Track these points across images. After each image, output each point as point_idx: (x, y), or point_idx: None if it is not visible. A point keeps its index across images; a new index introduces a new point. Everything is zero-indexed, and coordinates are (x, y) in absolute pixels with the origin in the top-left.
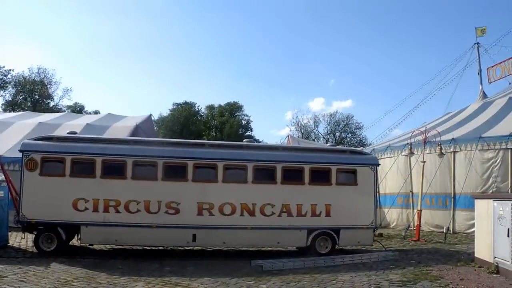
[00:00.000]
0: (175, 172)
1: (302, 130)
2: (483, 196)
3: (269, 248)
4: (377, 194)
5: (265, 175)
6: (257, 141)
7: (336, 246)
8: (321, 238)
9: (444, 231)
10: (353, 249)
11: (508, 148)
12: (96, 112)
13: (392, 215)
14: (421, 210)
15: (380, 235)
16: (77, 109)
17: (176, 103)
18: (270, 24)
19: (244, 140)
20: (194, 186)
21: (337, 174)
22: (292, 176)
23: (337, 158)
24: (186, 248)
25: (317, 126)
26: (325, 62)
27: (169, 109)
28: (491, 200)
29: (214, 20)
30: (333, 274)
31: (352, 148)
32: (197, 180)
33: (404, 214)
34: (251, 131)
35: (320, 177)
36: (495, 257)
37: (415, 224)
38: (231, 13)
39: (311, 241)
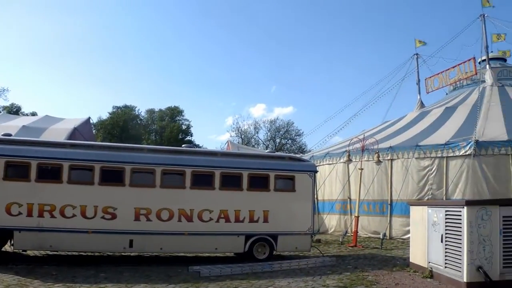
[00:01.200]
0: (112, 176)
1: (243, 136)
2: (418, 203)
3: (207, 254)
4: (315, 200)
5: (203, 180)
6: (197, 146)
7: (274, 252)
8: (259, 244)
9: (381, 237)
10: (291, 255)
11: (444, 157)
12: (33, 114)
13: (331, 221)
14: (358, 216)
15: (318, 241)
16: (13, 110)
17: (116, 106)
18: (212, 28)
19: (183, 145)
20: (131, 191)
21: (276, 181)
22: (231, 182)
23: (276, 165)
24: (123, 254)
25: (257, 132)
26: (267, 68)
27: (109, 112)
28: (426, 207)
29: (155, 21)
30: (270, 280)
31: (291, 154)
32: (135, 185)
33: (342, 220)
34: (191, 136)
35: (259, 183)
36: (429, 262)
37: (353, 230)
38: (172, 16)
39: (249, 247)
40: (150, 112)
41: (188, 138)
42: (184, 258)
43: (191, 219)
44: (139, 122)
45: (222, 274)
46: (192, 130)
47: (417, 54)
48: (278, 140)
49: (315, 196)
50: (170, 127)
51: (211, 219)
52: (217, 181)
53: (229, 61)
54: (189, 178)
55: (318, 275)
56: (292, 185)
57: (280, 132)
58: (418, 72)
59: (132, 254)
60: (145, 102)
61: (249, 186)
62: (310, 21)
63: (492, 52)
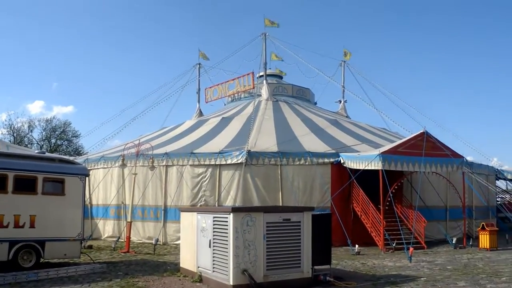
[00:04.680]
0: None
1: (15, 134)
2: (188, 209)
3: None
4: (88, 205)
5: None
6: None
7: (42, 260)
8: (24, 251)
9: (154, 243)
10: (60, 262)
11: (217, 165)
12: None
13: (105, 226)
14: (131, 222)
15: (90, 247)
16: None
17: None
18: None
19: None
20: None
21: (44, 183)
22: None
23: (45, 167)
24: None
25: (31, 131)
26: (47, 62)
27: None
28: (195, 213)
29: None
30: None
31: (61, 156)
32: None
33: (116, 226)
34: None
35: (26, 185)
36: (198, 267)
37: (126, 235)
38: None
39: (13, 255)
40: None
41: None
42: None
43: None
44: None
45: None
46: None
47: (199, 64)
48: (53, 141)
49: (89, 200)
50: None
51: None
52: None
53: (6, 52)
54: None
55: (87, 283)
56: (61, 189)
57: (56, 132)
58: (199, 81)
59: None
60: None
61: (14, 189)
62: (96, 19)
63: (270, 69)
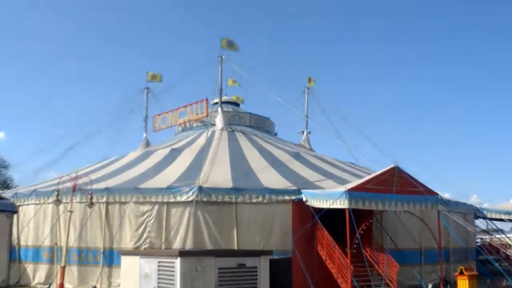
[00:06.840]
0: None
1: None
2: (130, 252)
3: None
4: (16, 246)
5: None
6: None
7: None
8: None
9: None
10: None
11: (164, 202)
12: None
13: (36, 271)
14: (65, 266)
15: None
16: None
17: None
18: None
19: None
20: None
21: None
22: None
23: None
24: None
25: None
26: None
27: None
28: (138, 257)
29: None
30: None
31: None
32: None
33: (49, 270)
34: None
35: None
36: None
37: (58, 282)
38: None
39: None
40: None
41: None
42: None
43: None
44: None
45: None
46: None
47: (147, 88)
48: None
49: (16, 241)
50: None
51: None
52: None
53: None
54: None
55: None
56: None
57: None
58: (147, 107)
59: None
60: None
61: None
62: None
63: (226, 95)
